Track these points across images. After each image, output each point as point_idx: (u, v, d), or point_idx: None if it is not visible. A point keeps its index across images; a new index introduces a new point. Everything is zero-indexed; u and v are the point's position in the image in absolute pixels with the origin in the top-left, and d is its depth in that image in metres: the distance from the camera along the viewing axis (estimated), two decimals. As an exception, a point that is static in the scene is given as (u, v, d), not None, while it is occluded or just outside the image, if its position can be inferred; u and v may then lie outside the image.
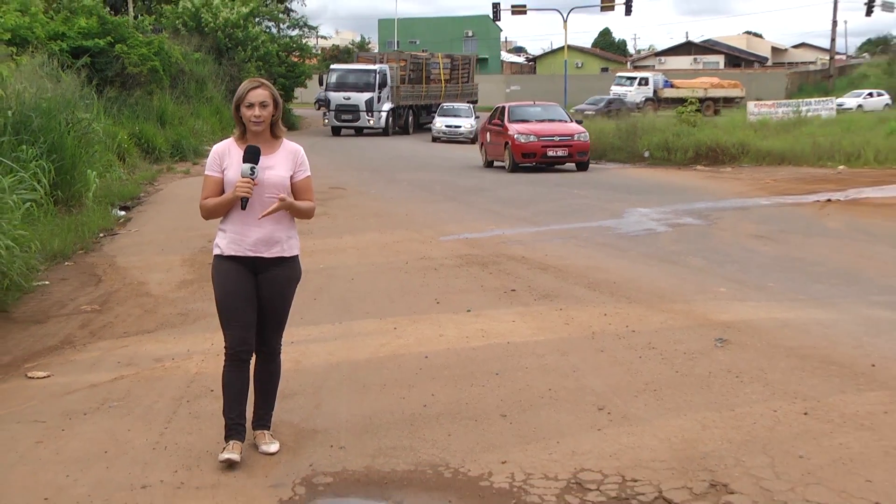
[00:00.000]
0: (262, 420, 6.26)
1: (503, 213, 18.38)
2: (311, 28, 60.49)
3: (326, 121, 50.70)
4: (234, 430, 6.03)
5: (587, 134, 30.07)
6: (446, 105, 51.71)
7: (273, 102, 5.81)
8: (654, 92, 67.64)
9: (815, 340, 8.66)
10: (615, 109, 55.78)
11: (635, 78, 71.46)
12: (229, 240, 5.87)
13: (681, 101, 63.01)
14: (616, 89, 69.47)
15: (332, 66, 52.21)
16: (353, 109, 49.03)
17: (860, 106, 52.77)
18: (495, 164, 31.56)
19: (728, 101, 65.93)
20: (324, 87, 52.34)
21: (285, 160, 5.94)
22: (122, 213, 18.70)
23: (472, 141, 42.02)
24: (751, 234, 15.16)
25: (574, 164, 31.26)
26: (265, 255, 5.89)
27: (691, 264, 12.76)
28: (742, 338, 8.79)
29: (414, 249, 14.11)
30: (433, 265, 12.87)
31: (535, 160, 29.35)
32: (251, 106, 5.73)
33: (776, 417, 6.68)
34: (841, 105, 47.54)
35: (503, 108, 32.97)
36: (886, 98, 59.04)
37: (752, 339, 8.76)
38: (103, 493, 5.65)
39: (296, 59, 52.30)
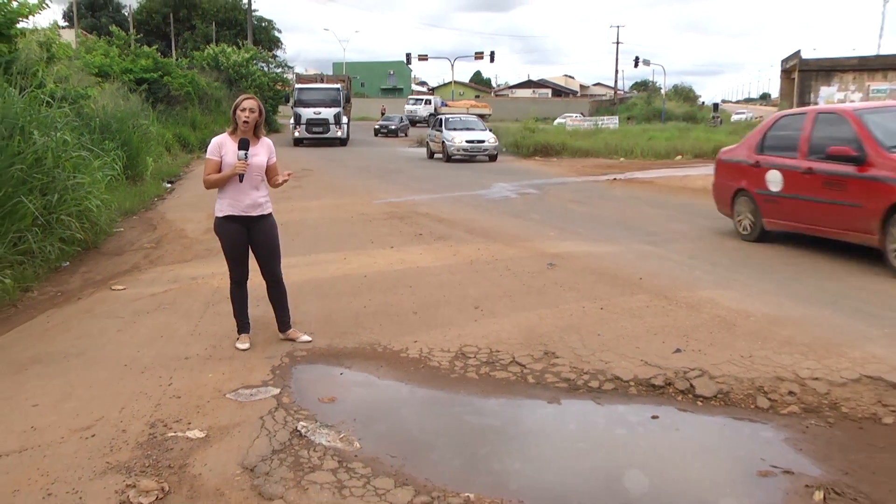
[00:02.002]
0: (287, 323, 6.19)
1: (414, 186, 18.30)
2: (290, 67, 59.22)
3: (297, 133, 37.43)
4: (243, 327, 6.08)
5: None
6: (451, 116, 31.07)
7: (258, 110, 5.75)
8: (435, 109, 66.00)
9: (607, 264, 8.77)
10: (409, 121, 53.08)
11: (422, 99, 68.67)
12: (227, 204, 5.78)
13: None
14: (408, 107, 66.04)
15: (298, 86, 39.41)
16: (323, 123, 36.92)
17: (572, 122, 49.49)
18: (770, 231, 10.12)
19: (482, 118, 64.45)
20: (291, 103, 39.34)
21: (264, 150, 5.87)
22: (169, 185, 18.44)
23: (493, 158, 27.01)
24: (568, 199, 15.30)
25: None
26: (253, 214, 5.83)
27: (532, 218, 12.82)
28: (564, 263, 8.86)
29: (357, 209, 13.97)
30: (369, 218, 12.76)
31: None
32: (244, 111, 5.67)
33: (584, 311, 6.76)
34: (562, 122, 46.50)
35: (838, 114, 9.16)
36: (587, 117, 56.60)
37: (570, 263, 8.84)
38: (161, 361, 5.63)
39: (280, 87, 50.98)
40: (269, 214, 5.99)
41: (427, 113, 64.40)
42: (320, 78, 42.76)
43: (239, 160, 5.63)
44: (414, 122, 57.68)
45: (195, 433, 4.38)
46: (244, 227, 5.86)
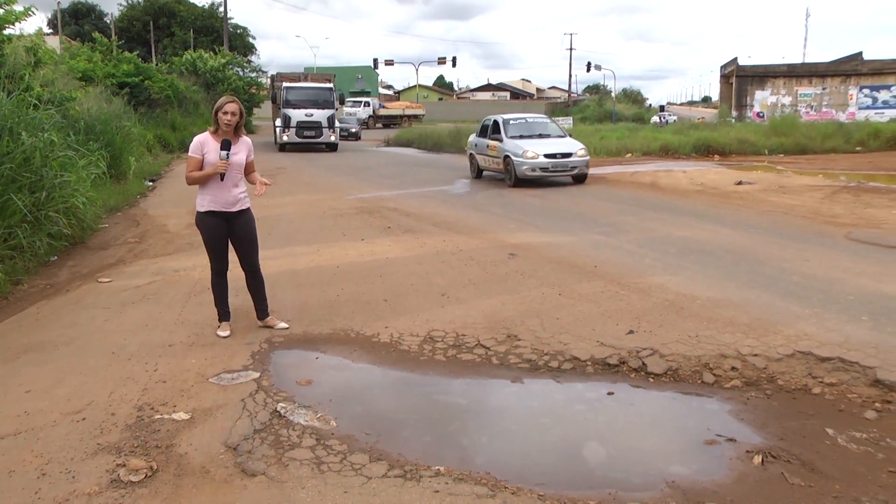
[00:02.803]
0: (265, 311, 6.16)
1: (382, 183, 18.18)
2: (263, 72, 58.36)
3: (286, 137, 30.26)
4: (224, 315, 6.04)
5: None
6: (512, 119, 18.75)
7: (239, 112, 5.68)
8: (374, 111, 64.97)
9: (564, 253, 8.81)
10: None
11: (361, 101, 65.94)
12: (209, 200, 5.71)
13: (389, 117, 62.13)
14: (347, 109, 61.79)
15: (286, 85, 31.24)
16: (316, 126, 30.36)
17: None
18: None
19: (416, 118, 63.58)
20: (279, 103, 31.29)
21: (244, 148, 5.80)
22: (150, 183, 18.13)
23: (581, 179, 17.18)
24: (527, 194, 15.33)
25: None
26: (233, 209, 5.77)
27: (493, 211, 12.82)
28: (524, 252, 8.89)
29: (329, 204, 13.86)
30: (340, 213, 12.67)
31: None
32: (226, 113, 5.59)
33: (543, 297, 6.80)
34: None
35: None
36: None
37: (529, 253, 8.87)
38: (147, 348, 5.57)
39: (254, 91, 50.20)
40: (248, 209, 5.94)
41: (366, 115, 62.68)
42: (304, 77, 34.49)
43: (221, 160, 5.58)
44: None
45: (181, 415, 4.34)
46: (224, 221, 5.79)
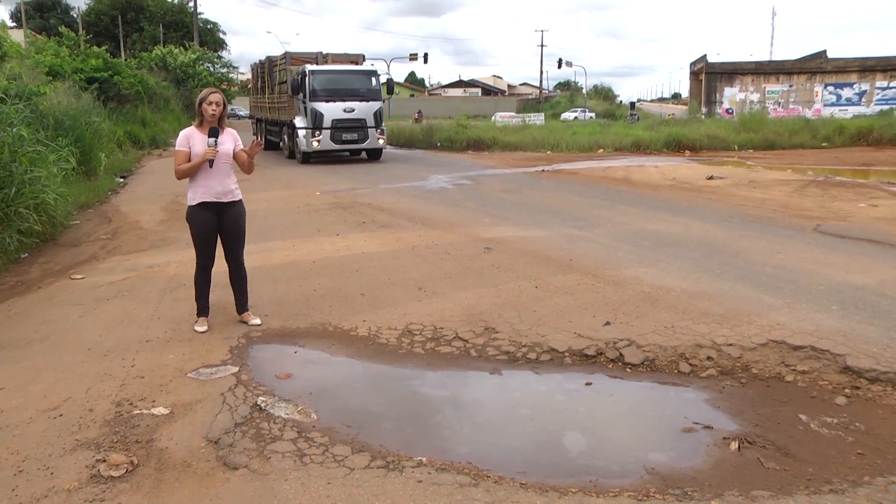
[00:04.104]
0: (244, 306, 6.12)
1: (355, 178, 18.10)
2: (234, 67, 58.01)
3: (316, 143, 21.21)
4: (202, 310, 5.99)
5: None
6: None
7: (223, 103, 5.68)
8: None
9: (539, 247, 8.86)
10: None
11: None
12: (201, 193, 5.69)
13: None
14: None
15: (311, 68, 21.52)
16: (359, 126, 21.64)
17: (496, 119, 47.43)
18: None
19: None
20: (302, 96, 21.36)
21: (230, 139, 5.80)
22: (121, 179, 17.89)
23: None
24: (500, 189, 15.37)
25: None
26: (224, 200, 5.76)
27: (467, 206, 12.84)
28: (499, 247, 8.92)
29: (303, 200, 13.79)
30: (315, 209, 12.61)
31: None
32: (210, 104, 5.60)
33: (520, 290, 6.84)
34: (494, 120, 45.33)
35: None
36: (508, 114, 54.07)
37: (504, 247, 8.90)
38: (123, 344, 5.51)
39: (225, 87, 49.79)
40: (240, 201, 5.93)
41: None
42: (322, 58, 23.40)
43: (209, 147, 5.58)
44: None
45: (160, 410, 4.31)
46: (215, 215, 5.78)
